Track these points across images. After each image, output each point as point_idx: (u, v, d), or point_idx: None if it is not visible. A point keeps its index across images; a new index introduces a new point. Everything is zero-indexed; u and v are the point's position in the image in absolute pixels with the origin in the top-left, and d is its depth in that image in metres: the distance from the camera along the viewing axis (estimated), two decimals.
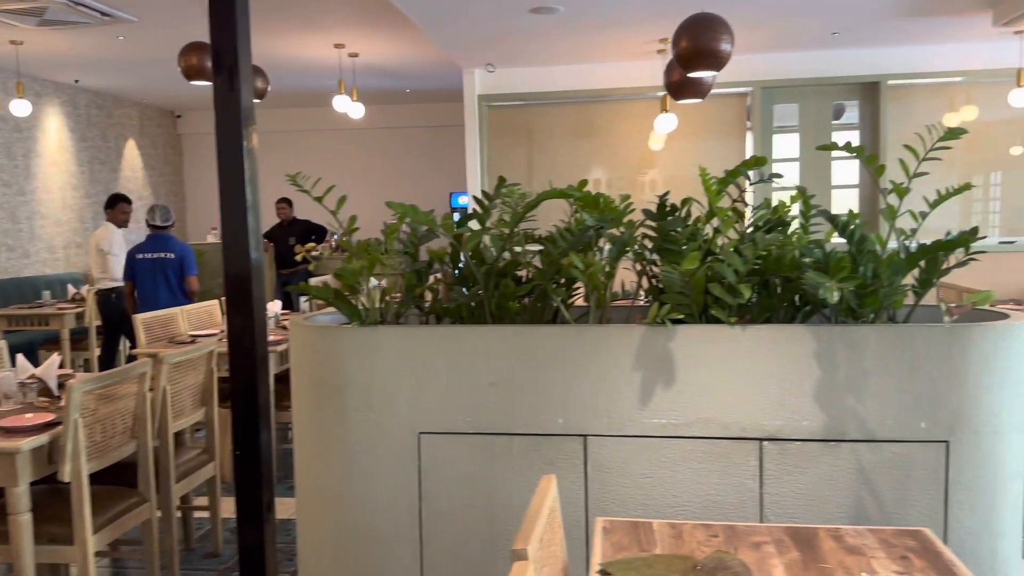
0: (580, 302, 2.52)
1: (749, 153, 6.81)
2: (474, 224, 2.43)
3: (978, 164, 6.64)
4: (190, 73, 4.83)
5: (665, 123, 6.15)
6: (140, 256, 5.73)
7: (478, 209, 2.37)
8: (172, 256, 5.70)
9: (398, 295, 2.39)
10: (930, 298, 2.69)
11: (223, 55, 2.40)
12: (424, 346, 2.25)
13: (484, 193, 2.37)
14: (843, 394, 2.13)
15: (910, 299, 2.30)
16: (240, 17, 2.42)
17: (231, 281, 2.39)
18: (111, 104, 9.29)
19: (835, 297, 1.95)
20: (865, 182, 6.75)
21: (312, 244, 7.98)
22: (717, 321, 2.21)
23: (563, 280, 2.43)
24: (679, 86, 3.93)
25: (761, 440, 2.17)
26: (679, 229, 2.32)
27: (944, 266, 2.30)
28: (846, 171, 6.80)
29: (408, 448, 2.28)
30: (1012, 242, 6.63)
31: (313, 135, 9.73)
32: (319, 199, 2.30)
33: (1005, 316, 2.25)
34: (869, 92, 6.67)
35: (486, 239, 2.42)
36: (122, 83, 8.57)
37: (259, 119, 10.07)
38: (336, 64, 7.31)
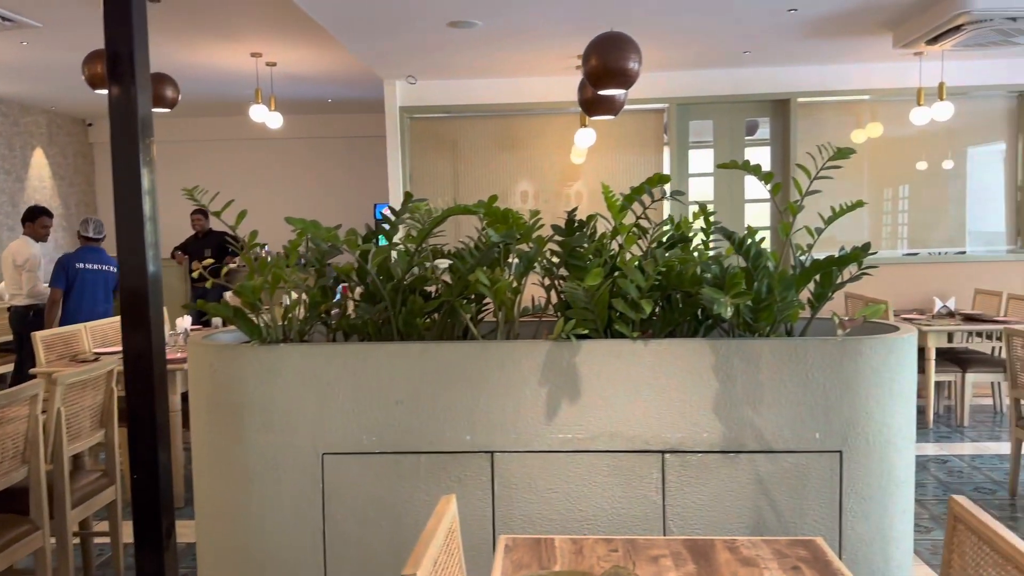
0: (492, 318, 2.52)
1: (667, 167, 6.96)
2: (382, 240, 2.41)
3: (888, 178, 6.94)
4: (95, 81, 4.65)
5: (584, 137, 6.23)
6: (82, 266, 5.63)
7: (384, 225, 2.35)
8: (114, 270, 5.67)
9: (302, 312, 2.34)
10: (838, 310, 2.78)
11: (119, 63, 2.32)
12: (327, 364, 2.21)
13: (391, 209, 2.35)
14: (741, 406, 2.18)
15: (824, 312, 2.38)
16: (136, 24, 2.34)
17: (127, 297, 2.30)
18: (17, 112, 8.89)
19: (728, 312, 1.99)
20: (777, 195, 6.99)
21: (211, 260, 7.88)
22: (621, 336, 2.24)
23: (472, 296, 2.42)
24: (592, 103, 3.99)
25: (663, 453, 2.20)
26: (584, 245, 2.34)
27: (839, 280, 2.38)
28: (759, 186, 7.01)
29: (311, 469, 2.23)
30: (915, 254, 6.95)
31: (231, 145, 9.50)
32: (217, 214, 2.24)
33: (895, 328, 2.35)
34: (780, 109, 6.90)
35: (394, 255, 2.39)
36: (29, 90, 8.21)
37: (174, 128, 9.78)
38: (253, 73, 7.16)
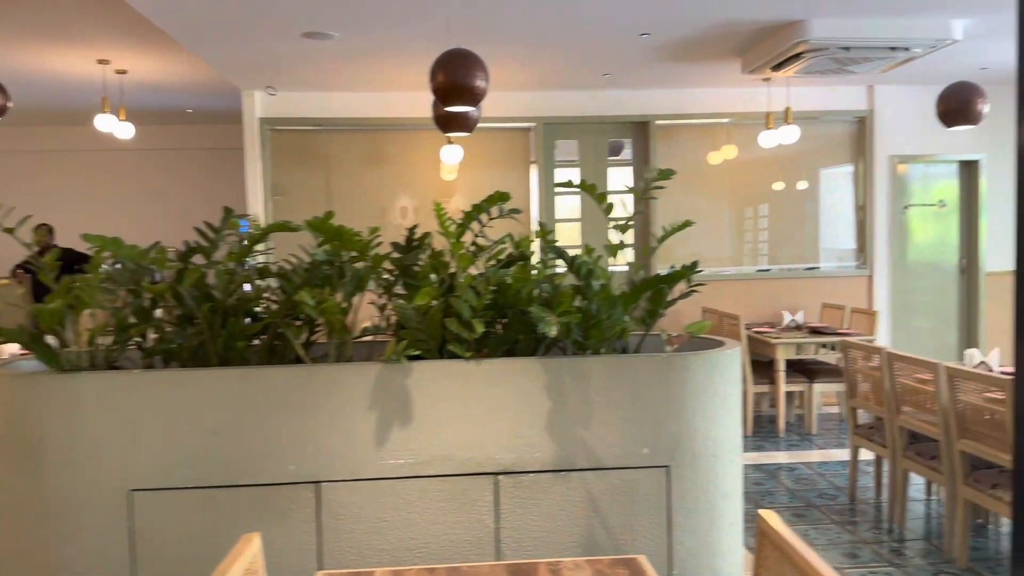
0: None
1: (535, 185, 7.02)
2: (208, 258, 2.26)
3: (747, 198, 7.25)
4: None
5: (450, 154, 6.21)
6: None
7: (202, 242, 2.21)
8: None
9: (111, 337, 2.17)
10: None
11: None
12: (135, 393, 2.05)
13: (208, 225, 2.22)
14: (573, 424, 2.17)
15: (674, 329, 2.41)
16: None
17: None
18: None
19: (553, 331, 1.99)
20: (638, 213, 7.19)
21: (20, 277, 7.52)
22: (456, 356, 2.19)
23: (302, 317, 2.32)
24: (445, 120, 3.96)
25: (496, 474, 2.16)
26: (420, 263, 2.28)
27: (669, 298, 2.43)
28: (627, 204, 7.19)
29: (116, 508, 2.06)
30: (768, 270, 7.30)
31: (79, 156, 8.91)
32: (9, 230, 2.04)
33: (721, 344, 2.41)
34: (640, 131, 7.12)
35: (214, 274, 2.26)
36: None
37: (13, 138, 9.05)
38: (100, 81, 6.74)
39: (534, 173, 7.01)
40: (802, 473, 5.07)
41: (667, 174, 2.25)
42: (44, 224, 7.65)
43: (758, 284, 7.22)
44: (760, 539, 1.65)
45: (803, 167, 7.30)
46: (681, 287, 2.42)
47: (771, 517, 1.63)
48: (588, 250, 2.46)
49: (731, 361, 2.27)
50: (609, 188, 7.22)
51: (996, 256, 7.29)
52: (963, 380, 3.42)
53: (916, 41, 4.89)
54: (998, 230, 7.29)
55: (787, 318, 6.41)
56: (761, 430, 6.22)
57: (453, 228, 2.22)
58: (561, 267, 2.51)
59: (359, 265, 2.34)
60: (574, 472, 2.18)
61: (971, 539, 3.84)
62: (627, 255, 7.29)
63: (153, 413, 2.06)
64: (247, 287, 2.32)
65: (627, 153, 7.30)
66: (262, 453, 2.10)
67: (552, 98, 6.94)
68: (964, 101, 4.06)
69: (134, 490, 2.06)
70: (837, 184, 7.35)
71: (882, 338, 7.17)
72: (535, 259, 2.51)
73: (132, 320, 2.17)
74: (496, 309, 2.32)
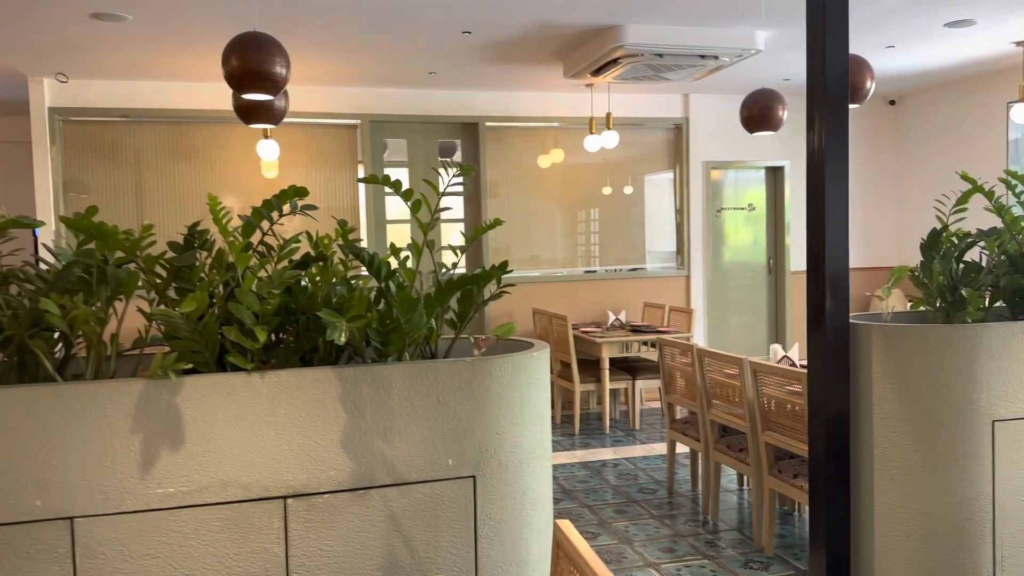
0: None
1: (363, 186, 6.79)
2: None
3: (578, 201, 7.36)
4: None
5: (267, 149, 5.86)
6: None
7: None
8: None
9: None
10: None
11: None
12: None
13: None
14: (371, 437, 2.01)
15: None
16: None
17: None
18: None
19: (342, 338, 1.82)
20: (470, 216, 7.13)
21: None
22: (238, 368, 1.97)
23: (56, 329, 2.01)
24: (247, 110, 3.68)
25: (285, 498, 1.96)
26: (194, 265, 2.04)
27: (480, 299, 2.32)
28: (455, 206, 7.11)
29: None
30: (594, 271, 7.45)
31: None
32: None
33: (529, 346, 2.33)
34: (470, 132, 7.06)
35: None
36: None
37: None
38: None
39: (361, 173, 6.78)
40: (625, 468, 5.17)
41: (468, 170, 2.14)
42: None
43: (586, 285, 7.36)
44: (555, 550, 1.57)
45: (628, 172, 7.52)
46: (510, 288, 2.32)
47: (566, 527, 1.55)
48: (394, 250, 2.31)
49: (538, 363, 2.20)
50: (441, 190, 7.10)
51: (800, 256, 7.84)
52: (766, 374, 3.57)
53: (724, 50, 5.12)
54: (801, 232, 7.85)
55: (611, 318, 6.56)
56: (588, 427, 6.32)
57: (231, 224, 2.00)
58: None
59: (132, 267, 2.06)
60: (374, 489, 2.02)
61: (779, 527, 4.03)
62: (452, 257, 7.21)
63: None
64: None
65: (459, 155, 7.22)
66: (2, 487, 1.78)
67: (378, 95, 6.73)
68: (765, 107, 4.27)
69: None
70: (660, 189, 7.63)
71: (699, 335, 7.52)
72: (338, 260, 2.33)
73: None
74: (287, 315, 2.11)
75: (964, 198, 2.80)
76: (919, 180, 7.80)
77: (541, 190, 7.32)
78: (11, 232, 2.00)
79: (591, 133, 6.60)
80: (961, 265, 2.68)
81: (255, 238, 2.22)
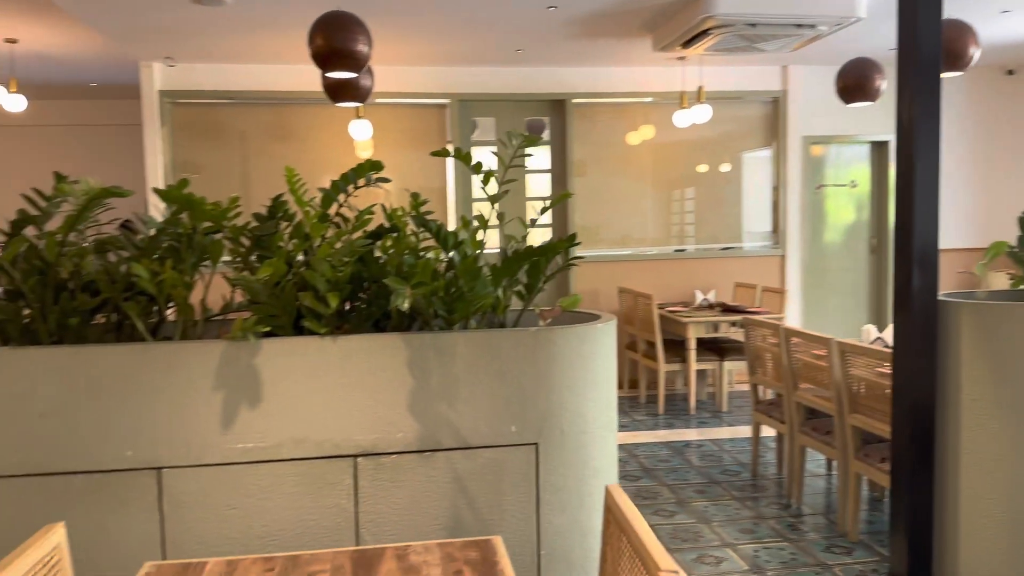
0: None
1: (451, 164, 6.89)
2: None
3: (669, 179, 7.24)
4: None
5: (359, 129, 6.02)
6: None
7: (32, 211, 2.03)
8: None
9: None
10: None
11: None
12: None
13: (37, 192, 2.03)
14: (437, 402, 2.07)
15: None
16: None
17: None
18: None
19: (405, 304, 1.88)
20: (556, 192, 7.12)
21: None
22: (312, 332, 2.06)
23: (147, 293, 2.16)
24: (335, 88, 3.80)
25: (356, 456, 2.05)
26: (274, 233, 2.14)
27: (549, 272, 2.34)
28: (542, 183, 7.12)
29: None
30: (683, 250, 7.32)
31: None
32: None
33: (595, 318, 2.34)
34: (557, 109, 7.04)
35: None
36: None
37: None
38: None
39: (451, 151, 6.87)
40: (708, 450, 5.10)
41: (533, 140, 2.16)
42: None
43: (675, 264, 7.25)
44: (605, 514, 1.59)
45: (722, 148, 7.33)
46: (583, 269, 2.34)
47: (616, 492, 1.56)
48: (465, 223, 2.36)
49: (603, 335, 2.20)
50: (527, 168, 7.14)
51: None
52: (854, 355, 3.44)
53: (821, 18, 4.91)
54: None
55: (699, 297, 6.45)
56: (673, 408, 6.25)
57: (307, 196, 2.09)
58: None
59: (218, 236, 2.19)
60: (439, 452, 2.08)
61: (866, 513, 3.90)
62: (537, 234, 7.23)
63: None
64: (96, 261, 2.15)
65: (547, 133, 7.22)
66: (97, 438, 1.94)
67: (467, 74, 6.80)
68: (862, 77, 4.08)
69: None
70: (757, 166, 7.41)
71: (793, 316, 7.29)
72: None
73: None
74: (360, 283, 2.20)
75: None
76: None
77: (630, 168, 7.23)
78: (112, 204, 2.15)
79: (682, 108, 6.46)
80: None
81: (332, 210, 2.31)
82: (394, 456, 2.06)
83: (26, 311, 2.03)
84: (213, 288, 2.30)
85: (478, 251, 2.19)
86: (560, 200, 2.38)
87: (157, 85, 6.37)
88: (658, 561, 1.23)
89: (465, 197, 7.00)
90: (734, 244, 7.36)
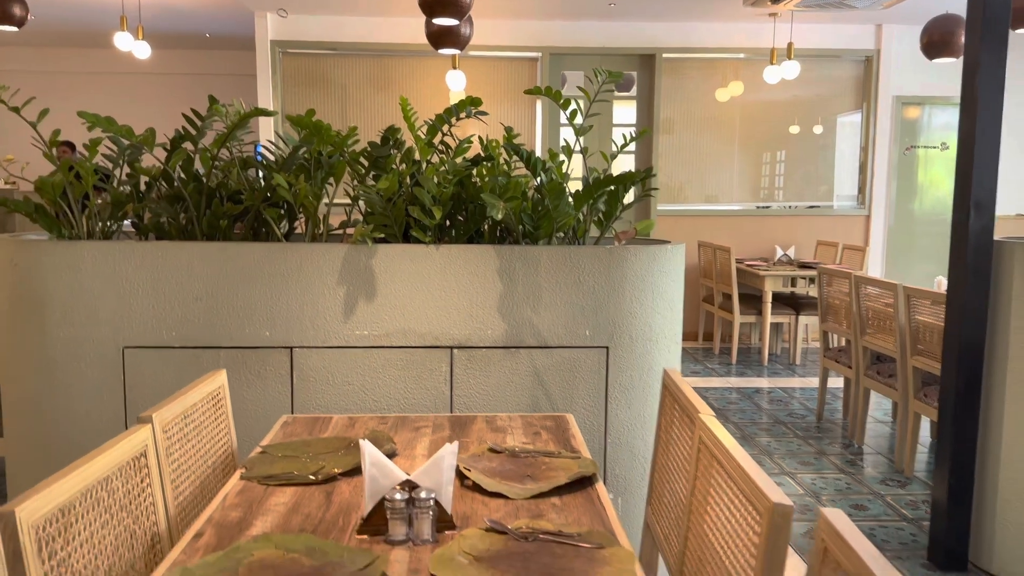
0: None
1: (539, 117, 7.15)
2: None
3: (758, 137, 7.31)
4: None
5: (454, 80, 6.34)
6: None
7: (190, 129, 2.42)
8: None
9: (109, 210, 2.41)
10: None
11: None
12: (127, 262, 2.29)
13: (195, 112, 2.43)
14: (521, 306, 2.39)
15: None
16: None
17: None
18: None
19: (499, 214, 2.19)
20: (642, 151, 7.30)
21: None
22: (419, 241, 2.40)
23: (283, 204, 2.54)
24: (436, 35, 4.10)
25: (452, 348, 2.39)
26: (389, 155, 2.48)
27: (626, 202, 2.61)
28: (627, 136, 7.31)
29: (112, 362, 2.32)
30: (768, 207, 7.40)
31: (97, 79, 9.12)
32: (16, 110, 2.27)
33: (666, 243, 2.60)
34: (646, 64, 7.19)
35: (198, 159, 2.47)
36: None
37: (28, 58, 9.26)
38: (118, 1, 6.91)
39: (540, 106, 7.13)
40: (777, 396, 5.30)
41: (617, 76, 2.41)
42: (66, 142, 7.92)
43: (757, 221, 7.34)
44: (663, 393, 1.88)
45: (812, 107, 7.33)
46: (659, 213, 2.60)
47: (674, 373, 1.85)
48: (552, 155, 2.64)
49: (670, 257, 2.47)
50: (614, 123, 7.33)
51: (1002, 201, 7.33)
52: (918, 299, 3.59)
53: None
54: (1003, 173, 7.33)
55: (779, 253, 6.56)
56: (747, 359, 6.43)
57: (419, 124, 2.41)
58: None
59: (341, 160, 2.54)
60: (522, 349, 2.41)
61: (925, 455, 4.05)
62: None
63: (143, 280, 2.30)
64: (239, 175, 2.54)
65: (634, 89, 7.38)
66: (240, 319, 2.34)
67: (558, 28, 7.01)
68: (947, 32, 4.12)
69: (127, 347, 2.32)
70: (848, 127, 7.39)
71: (874, 275, 7.29)
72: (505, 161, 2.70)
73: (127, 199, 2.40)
74: (460, 203, 2.52)
75: None
76: None
77: (718, 126, 7.33)
78: (252, 129, 2.53)
79: (771, 64, 6.51)
80: None
81: (436, 139, 2.64)
82: (484, 350, 2.40)
83: (183, 214, 2.44)
84: (333, 212, 2.67)
85: (562, 178, 2.48)
86: (640, 137, 2.64)
87: (270, 35, 6.82)
88: (698, 407, 1.52)
89: (554, 147, 7.26)
90: (815, 203, 7.39)
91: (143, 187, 2.49)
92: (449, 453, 1.37)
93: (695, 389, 5.41)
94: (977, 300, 2.69)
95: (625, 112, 7.35)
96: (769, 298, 6.08)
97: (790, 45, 6.27)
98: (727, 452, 1.29)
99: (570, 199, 2.39)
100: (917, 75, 7.16)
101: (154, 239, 2.53)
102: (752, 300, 6.33)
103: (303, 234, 2.66)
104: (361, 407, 2.39)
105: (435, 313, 2.38)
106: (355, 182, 2.59)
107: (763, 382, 5.71)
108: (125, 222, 2.53)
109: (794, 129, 7.34)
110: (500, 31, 6.94)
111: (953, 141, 7.45)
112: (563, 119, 7.27)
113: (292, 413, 2.39)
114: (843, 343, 4.86)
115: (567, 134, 7.27)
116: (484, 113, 2.64)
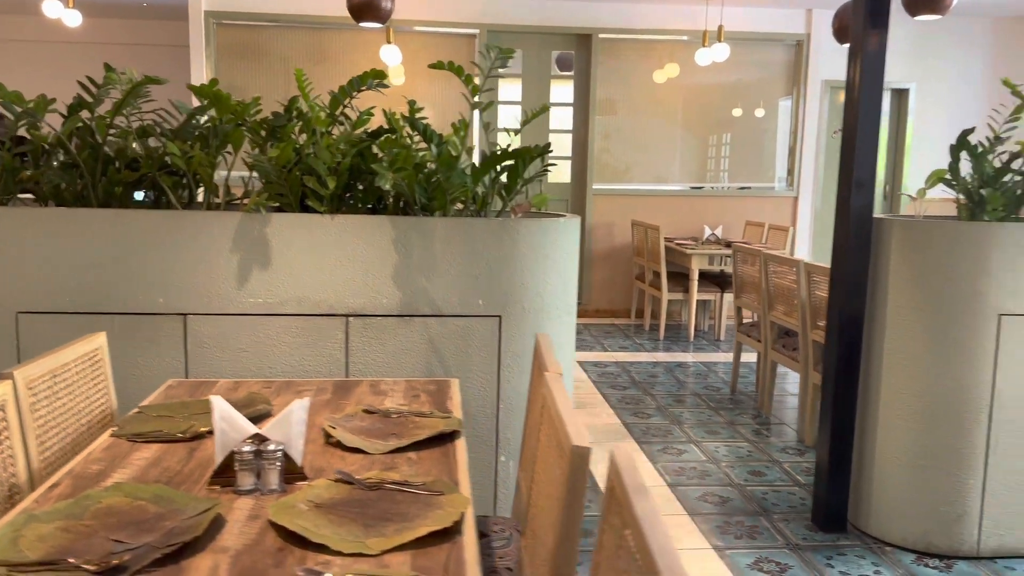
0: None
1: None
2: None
3: (694, 119, 7.43)
4: None
5: (388, 54, 6.33)
6: None
7: (86, 97, 2.42)
8: None
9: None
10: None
11: None
12: (21, 228, 2.30)
13: (90, 80, 2.43)
14: (416, 276, 2.45)
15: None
16: None
17: None
18: None
19: (387, 184, 2.25)
20: (577, 126, 7.38)
21: None
22: (315, 212, 2.45)
23: (182, 172, 2.56)
24: (358, 8, 4.11)
25: (347, 316, 2.45)
26: (284, 126, 2.51)
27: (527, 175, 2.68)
28: (564, 116, 7.38)
29: (5, 327, 2.33)
30: (700, 187, 7.56)
31: (25, 47, 8.87)
32: None
33: (561, 216, 2.69)
34: (583, 44, 7.25)
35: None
36: None
37: None
38: None
39: (477, 82, 7.14)
40: (698, 370, 5.46)
41: (508, 53, 2.48)
42: None
43: (691, 201, 7.50)
44: (534, 355, 1.96)
45: (754, 91, 7.49)
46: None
47: (543, 338, 1.94)
48: (455, 128, 2.70)
49: (563, 231, 2.55)
50: (552, 102, 7.40)
51: (918, 182, 7.59)
52: (818, 275, 3.75)
53: None
54: (921, 157, 7.59)
55: (707, 232, 6.72)
56: (674, 335, 6.60)
57: (314, 96, 2.45)
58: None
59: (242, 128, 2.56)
60: (416, 317, 2.48)
61: None
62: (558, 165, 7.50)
63: (39, 246, 2.31)
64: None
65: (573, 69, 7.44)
66: (135, 286, 2.37)
67: (496, 5, 7.02)
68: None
69: (20, 312, 2.33)
70: (779, 109, 7.57)
71: (801, 255, 7.52)
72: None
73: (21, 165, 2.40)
74: (359, 174, 2.57)
75: (1018, 109, 2.86)
76: None
77: (654, 107, 7.44)
78: (154, 97, 2.54)
79: (704, 47, 6.63)
80: (992, 169, 2.77)
81: (340, 112, 2.67)
82: (379, 318, 2.46)
83: (79, 181, 2.44)
84: (234, 180, 2.69)
85: (458, 151, 2.54)
86: (537, 115, 2.71)
87: (204, 5, 6.72)
88: (548, 367, 1.61)
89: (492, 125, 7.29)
90: (747, 184, 7.57)
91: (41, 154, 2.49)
92: (299, 407, 1.43)
93: (622, 364, 5.56)
94: (858, 274, 2.84)
95: (564, 91, 7.42)
96: (696, 276, 6.24)
97: (720, 28, 6.39)
98: (554, 403, 1.37)
99: (465, 169, 2.46)
100: (845, 60, 7.35)
101: (53, 206, 2.53)
102: (681, 278, 6.49)
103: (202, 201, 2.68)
104: (256, 374, 2.44)
105: (330, 282, 2.43)
106: (256, 151, 2.61)
107: (688, 357, 5.88)
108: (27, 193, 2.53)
109: (737, 112, 7.50)
110: (438, 6, 6.94)
111: (883, 125, 7.68)
112: (502, 97, 7.32)
113: (187, 378, 2.42)
114: (755, 318, 5.03)
115: (505, 111, 7.32)
116: (385, 86, 2.68)
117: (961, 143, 2.75)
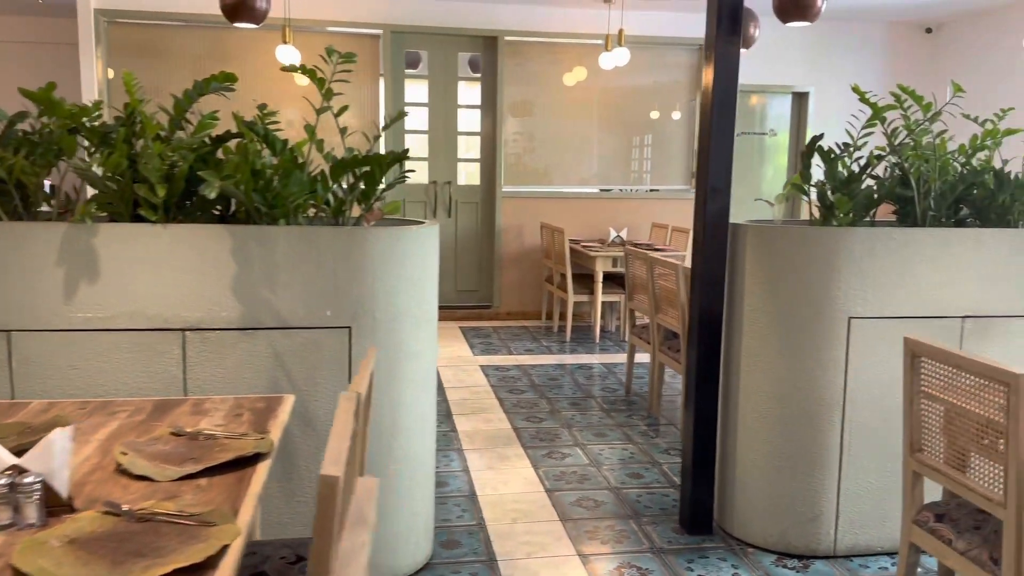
0: None
1: (382, 96, 7.06)
2: None
3: (602, 122, 7.47)
4: None
5: (284, 54, 6.18)
6: None
7: None
8: None
9: None
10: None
11: None
12: None
13: None
14: (258, 287, 2.37)
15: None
16: None
17: None
18: None
19: (213, 192, 2.16)
20: (486, 128, 7.35)
21: None
22: (147, 221, 2.34)
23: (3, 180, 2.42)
24: (232, 8, 3.99)
25: (184, 330, 2.35)
26: (112, 132, 2.40)
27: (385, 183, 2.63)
28: (472, 118, 7.33)
29: None
30: (609, 190, 7.62)
31: None
32: None
33: (419, 223, 2.64)
34: (490, 46, 7.22)
35: None
36: None
37: None
38: None
39: (383, 86, 7.04)
40: (599, 371, 5.49)
41: (350, 57, 2.42)
42: None
43: (598, 204, 7.55)
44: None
45: (668, 94, 7.57)
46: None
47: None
48: (310, 133, 2.62)
49: (415, 238, 2.51)
50: (459, 103, 7.35)
51: None
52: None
53: None
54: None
55: (612, 234, 6.77)
56: (580, 337, 6.63)
57: (141, 99, 2.34)
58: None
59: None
60: (260, 331, 2.39)
61: None
62: (465, 168, 7.46)
63: None
64: None
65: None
66: None
67: (399, 5, 6.94)
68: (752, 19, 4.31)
69: None
70: (685, 112, 7.68)
71: None
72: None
73: None
74: (200, 181, 2.46)
75: (874, 116, 2.92)
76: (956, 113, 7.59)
77: (562, 110, 7.46)
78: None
79: (606, 51, 6.67)
80: (845, 174, 2.83)
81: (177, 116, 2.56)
82: (218, 331, 2.37)
83: None
84: (70, 186, 2.55)
85: (302, 158, 2.47)
86: (396, 120, 2.66)
87: (93, 3, 6.45)
88: (355, 382, 1.56)
89: (396, 129, 7.21)
90: (654, 187, 7.67)
91: None
92: (60, 436, 1.35)
93: (524, 367, 5.55)
94: (715, 278, 2.86)
95: (474, 93, 7.38)
96: (600, 278, 6.27)
97: (621, 32, 6.44)
98: (335, 426, 1.33)
99: (304, 176, 2.38)
100: (747, 64, 7.48)
101: None
102: (587, 280, 6.52)
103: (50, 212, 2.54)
104: (87, 393, 2.32)
105: (164, 294, 2.33)
106: (89, 159, 2.49)
107: (592, 359, 5.90)
108: None
109: (655, 115, 7.58)
110: (342, 6, 6.82)
111: (783, 129, 7.87)
112: (409, 98, 7.23)
113: (12, 399, 2.29)
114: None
115: (415, 113, 7.23)
116: (231, 89, 2.59)
117: (812, 148, 2.80)
